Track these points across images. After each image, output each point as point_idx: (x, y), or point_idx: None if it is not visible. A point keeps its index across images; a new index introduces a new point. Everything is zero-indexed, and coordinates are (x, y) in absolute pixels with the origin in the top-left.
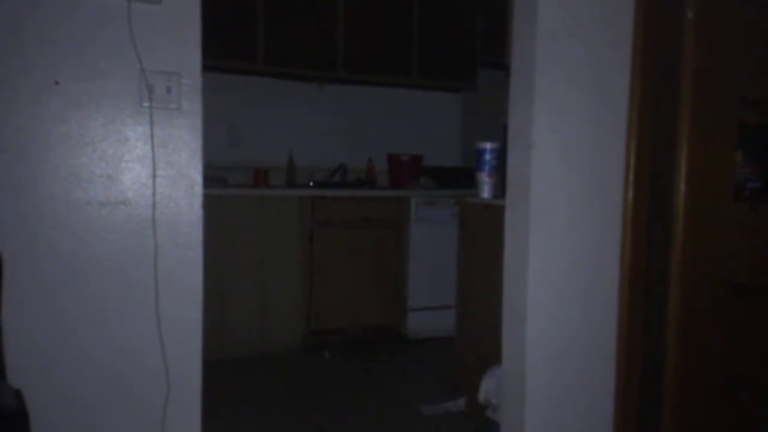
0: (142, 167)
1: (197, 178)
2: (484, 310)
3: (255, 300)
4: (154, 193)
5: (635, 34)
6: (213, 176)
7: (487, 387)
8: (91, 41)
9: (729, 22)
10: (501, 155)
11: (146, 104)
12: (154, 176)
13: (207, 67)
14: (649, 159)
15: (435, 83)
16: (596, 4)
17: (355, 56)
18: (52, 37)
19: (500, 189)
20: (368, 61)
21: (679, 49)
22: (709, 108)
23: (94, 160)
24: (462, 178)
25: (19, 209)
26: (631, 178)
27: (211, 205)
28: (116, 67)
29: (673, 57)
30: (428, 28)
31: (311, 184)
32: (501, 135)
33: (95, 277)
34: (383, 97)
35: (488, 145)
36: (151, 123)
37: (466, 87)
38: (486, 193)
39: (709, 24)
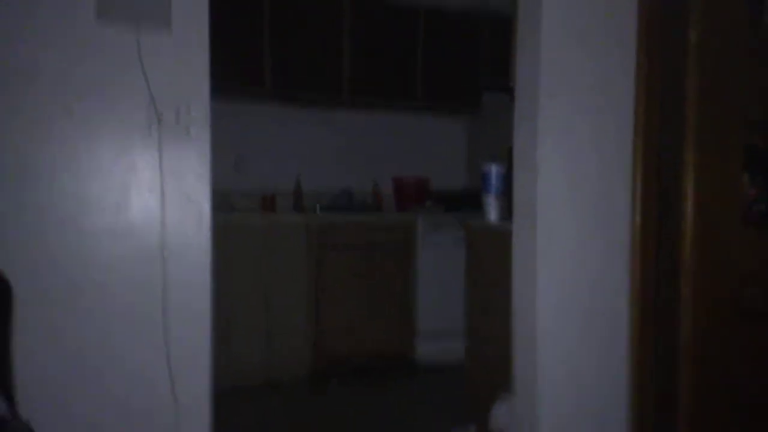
0: (151, 194)
1: (205, 204)
2: (494, 335)
3: (261, 327)
4: (162, 221)
5: (639, 58)
6: (220, 202)
7: (498, 414)
8: (103, 71)
9: (732, 44)
10: (507, 178)
11: (155, 132)
12: (162, 203)
13: (214, 92)
14: (656, 182)
15: (439, 106)
16: (600, 28)
17: (360, 80)
18: (66, 68)
19: (507, 211)
20: (373, 85)
21: (683, 71)
22: (715, 131)
23: (103, 188)
24: (468, 200)
25: (29, 236)
26: (639, 202)
27: (218, 230)
28: (127, 96)
29: (678, 80)
30: (432, 52)
31: (317, 208)
32: (507, 157)
33: (104, 306)
34: (388, 121)
35: (494, 168)
36: (160, 150)
37: (470, 110)
38: (493, 216)
39: (713, 46)
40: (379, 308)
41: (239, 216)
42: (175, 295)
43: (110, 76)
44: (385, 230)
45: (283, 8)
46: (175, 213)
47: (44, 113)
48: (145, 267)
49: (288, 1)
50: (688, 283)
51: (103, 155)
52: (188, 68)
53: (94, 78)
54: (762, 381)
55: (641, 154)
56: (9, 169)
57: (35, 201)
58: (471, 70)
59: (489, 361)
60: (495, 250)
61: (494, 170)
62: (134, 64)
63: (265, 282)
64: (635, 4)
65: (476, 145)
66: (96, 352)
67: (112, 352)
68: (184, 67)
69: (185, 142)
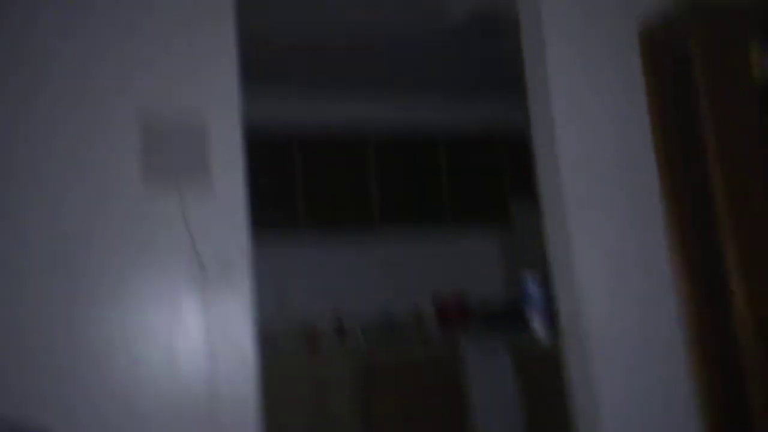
0: (197, 345)
1: (251, 351)
2: None
3: None
4: (209, 371)
5: (658, 160)
6: (264, 342)
7: None
8: (149, 229)
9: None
10: (547, 289)
11: (200, 285)
12: (209, 354)
13: (253, 236)
14: (701, 283)
15: (469, 223)
16: (621, 131)
17: (389, 208)
18: (115, 234)
19: (553, 323)
20: (403, 211)
21: (705, 168)
22: (746, 219)
23: (151, 342)
24: (511, 316)
25: (80, 396)
26: (687, 305)
27: (263, 373)
28: (172, 251)
29: (701, 176)
30: (456, 170)
31: (359, 338)
32: (544, 269)
33: None
34: (421, 242)
35: (532, 281)
36: (205, 302)
37: (501, 222)
38: (539, 332)
39: (727, 139)
40: None
41: (284, 356)
42: None
43: (156, 236)
44: (430, 354)
45: (312, 152)
46: (221, 362)
47: (95, 277)
48: (194, 421)
49: (316, 146)
50: (758, 393)
51: (151, 312)
52: (229, 221)
53: (141, 240)
54: None
55: (681, 257)
56: (63, 331)
57: (87, 361)
58: (496, 184)
59: None
60: (547, 370)
61: (533, 284)
62: (178, 223)
63: (313, 419)
64: (645, 120)
65: (512, 254)
66: None
67: None
68: (225, 220)
69: (229, 292)
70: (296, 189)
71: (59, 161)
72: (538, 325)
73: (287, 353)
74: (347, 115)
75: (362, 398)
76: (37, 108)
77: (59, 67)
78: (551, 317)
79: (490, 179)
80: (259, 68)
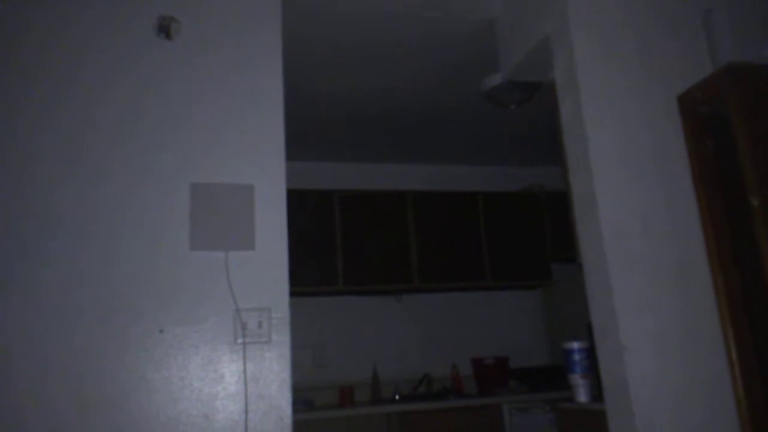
0: (235, 404)
1: (287, 409)
2: None
3: None
4: (246, 429)
5: (704, 226)
6: (300, 398)
7: None
8: (193, 289)
9: None
10: (591, 353)
11: (240, 341)
12: (246, 412)
13: (292, 294)
14: (753, 353)
15: (509, 284)
16: (659, 202)
17: (428, 267)
18: (157, 288)
19: (596, 389)
20: (441, 271)
21: (750, 234)
22: None
23: (192, 401)
24: (552, 377)
25: None
26: (738, 373)
27: (299, 430)
28: (214, 309)
29: (748, 244)
30: (495, 231)
31: (396, 398)
32: (587, 333)
33: None
34: (460, 302)
35: (576, 345)
36: (244, 359)
37: (541, 283)
38: (582, 396)
39: None
40: None
41: (319, 413)
42: None
43: (200, 293)
44: (469, 416)
45: (351, 209)
46: (258, 420)
47: (141, 336)
48: None
49: (356, 202)
50: None
51: (192, 369)
52: (270, 279)
53: (185, 297)
54: None
55: (731, 324)
56: (104, 392)
57: (125, 422)
58: (536, 245)
59: None
60: (589, 429)
61: (576, 348)
62: (221, 281)
63: None
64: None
65: (554, 316)
66: None
67: None
68: (266, 279)
69: (267, 348)
70: (336, 246)
71: (115, 220)
72: (580, 386)
73: (321, 406)
74: (387, 176)
75: None
76: (111, 180)
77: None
78: (594, 379)
79: (530, 239)
80: (302, 141)
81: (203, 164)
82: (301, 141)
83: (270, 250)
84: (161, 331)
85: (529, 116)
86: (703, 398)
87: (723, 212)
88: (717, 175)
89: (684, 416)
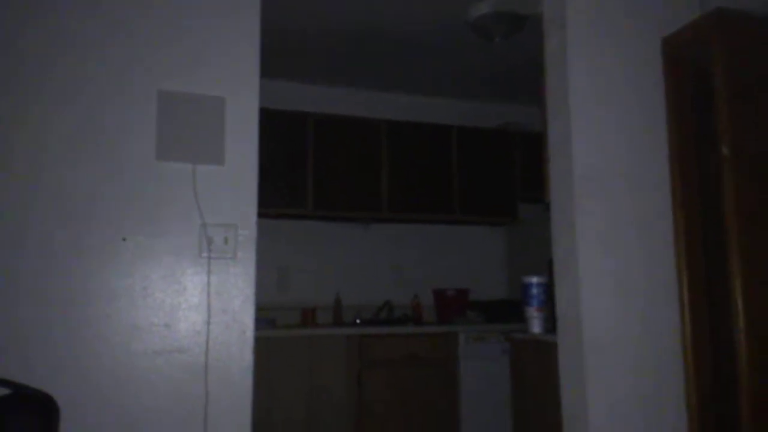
0: (198, 315)
1: (249, 323)
2: None
3: None
4: (207, 340)
5: (672, 172)
6: (262, 318)
7: None
8: (158, 200)
9: (765, 153)
10: (548, 288)
11: (205, 255)
12: (208, 323)
13: (259, 215)
14: (704, 291)
15: (476, 219)
16: (634, 141)
17: (398, 197)
18: (121, 196)
19: (550, 322)
20: (411, 202)
21: (718, 184)
22: (757, 240)
23: (154, 310)
24: (510, 311)
25: (80, 359)
26: (687, 313)
27: (259, 346)
28: (180, 222)
29: (714, 191)
30: (467, 167)
31: (357, 321)
32: (547, 269)
33: (148, 423)
34: (427, 234)
35: (534, 279)
36: (209, 272)
37: (507, 221)
38: (536, 327)
39: (746, 156)
40: (423, 424)
41: (281, 331)
42: (216, 413)
43: (165, 204)
44: (427, 343)
45: (324, 135)
46: (220, 332)
47: (101, 236)
48: (188, 386)
49: (329, 128)
50: (748, 401)
51: (155, 279)
52: (238, 196)
53: (150, 207)
54: None
55: (686, 265)
56: (64, 295)
57: (88, 324)
58: (506, 183)
59: None
60: (540, 363)
61: (535, 282)
62: (188, 194)
63: (306, 398)
64: (663, 133)
65: (516, 254)
66: None
67: None
68: (234, 195)
69: (232, 264)
70: (306, 171)
71: (76, 125)
72: (535, 318)
73: (283, 326)
74: (362, 103)
75: (354, 376)
76: (56, 74)
77: (80, 39)
78: (549, 313)
79: (500, 176)
80: (277, 58)
81: (173, 71)
82: (276, 57)
83: (239, 166)
84: (124, 239)
85: (512, 53)
86: (653, 337)
87: (693, 160)
88: (692, 124)
89: (633, 350)
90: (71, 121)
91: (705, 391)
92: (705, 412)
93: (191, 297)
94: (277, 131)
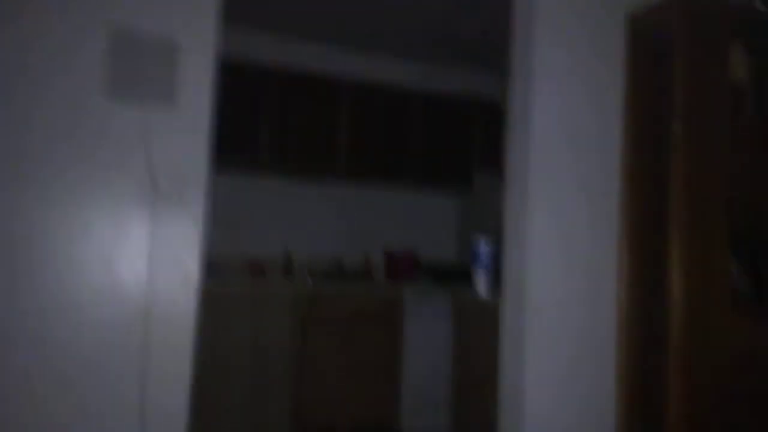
0: (141, 258)
1: (194, 270)
2: (481, 407)
3: (243, 394)
4: (150, 284)
5: (624, 144)
6: (210, 270)
7: None
8: (103, 140)
9: (716, 133)
10: (497, 254)
11: (151, 200)
12: (150, 267)
13: (213, 167)
14: (643, 263)
15: (431, 185)
16: (589, 114)
17: (355, 159)
18: (61, 131)
19: (496, 286)
20: (368, 165)
21: (668, 156)
22: (700, 217)
23: (93, 248)
24: (458, 275)
25: (13, 296)
26: (625, 283)
27: (205, 298)
28: (124, 160)
29: (664, 163)
30: (426, 134)
31: (307, 278)
32: (497, 235)
33: (82, 370)
34: (381, 196)
35: (484, 244)
36: (153, 216)
37: (462, 189)
38: (482, 290)
39: (697, 135)
40: (366, 379)
41: (227, 282)
42: (157, 358)
43: (111, 146)
44: (374, 301)
45: (284, 88)
46: (164, 276)
47: (42, 180)
48: (129, 329)
49: (288, 83)
50: (676, 367)
51: (95, 218)
52: (189, 143)
53: (93, 146)
54: None
55: (627, 236)
56: (4, 229)
57: (27, 262)
58: (463, 151)
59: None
60: (483, 324)
61: (484, 246)
62: (136, 137)
63: (250, 349)
64: (621, 108)
65: (467, 222)
66: (72, 417)
67: (87, 419)
68: (185, 142)
69: (179, 211)
70: (261, 123)
71: (15, 51)
72: (481, 282)
73: (231, 281)
74: (324, 61)
75: (299, 330)
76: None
77: None
78: (495, 278)
79: (457, 144)
80: (238, 6)
81: (124, 3)
82: (235, 3)
83: (192, 112)
84: (66, 180)
85: (480, 21)
86: (593, 302)
87: (647, 135)
88: (649, 100)
89: (574, 316)
90: (8, 46)
91: (636, 352)
92: (634, 371)
93: (135, 239)
94: (235, 82)
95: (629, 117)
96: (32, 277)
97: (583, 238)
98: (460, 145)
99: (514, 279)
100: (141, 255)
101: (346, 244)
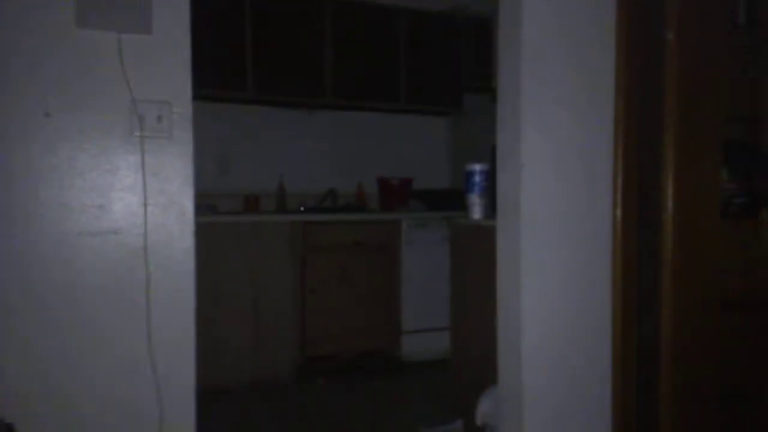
0: (133, 196)
1: (188, 205)
2: (479, 330)
3: (247, 328)
4: (145, 222)
5: (618, 56)
6: (203, 204)
7: (483, 409)
8: (82, 73)
9: (709, 42)
10: (490, 176)
11: (137, 134)
12: (145, 205)
13: (197, 96)
14: (636, 177)
15: (422, 108)
16: (581, 26)
17: (343, 83)
18: (41, 69)
19: (491, 209)
20: (356, 88)
21: (661, 69)
22: (693, 127)
23: (85, 191)
24: (452, 200)
25: (9, 241)
26: (619, 196)
27: (201, 232)
28: (107, 97)
29: (657, 79)
30: (414, 55)
31: (301, 209)
32: (490, 156)
33: (89, 306)
34: (372, 122)
35: (477, 167)
36: (142, 152)
37: (453, 111)
38: (477, 214)
39: (690, 44)
40: (365, 307)
41: (223, 217)
42: (159, 295)
43: (89, 78)
44: (370, 230)
45: (264, 12)
46: (158, 213)
47: (21, 116)
48: (128, 267)
49: (270, 5)
50: (668, 277)
51: (83, 158)
52: (170, 70)
53: (73, 81)
54: (744, 372)
55: (622, 151)
56: None
57: (11, 204)
58: (453, 72)
59: (474, 356)
60: (479, 247)
61: (478, 169)
62: (115, 67)
63: (250, 283)
64: (614, 6)
65: (460, 145)
66: (83, 349)
67: (97, 350)
68: (166, 69)
69: (167, 144)
70: (246, 50)
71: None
72: (476, 207)
73: (225, 213)
74: None
75: (298, 262)
76: None
77: None
78: (489, 201)
79: (447, 65)
80: None
81: None
82: None
83: (170, 36)
84: (47, 115)
85: None
86: (586, 219)
87: (640, 47)
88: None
89: (567, 230)
90: None
91: (630, 268)
92: (629, 287)
93: (125, 177)
94: (215, 6)
95: (622, 27)
96: (22, 221)
97: (577, 155)
98: (450, 65)
99: (508, 199)
100: (133, 193)
101: (339, 173)
